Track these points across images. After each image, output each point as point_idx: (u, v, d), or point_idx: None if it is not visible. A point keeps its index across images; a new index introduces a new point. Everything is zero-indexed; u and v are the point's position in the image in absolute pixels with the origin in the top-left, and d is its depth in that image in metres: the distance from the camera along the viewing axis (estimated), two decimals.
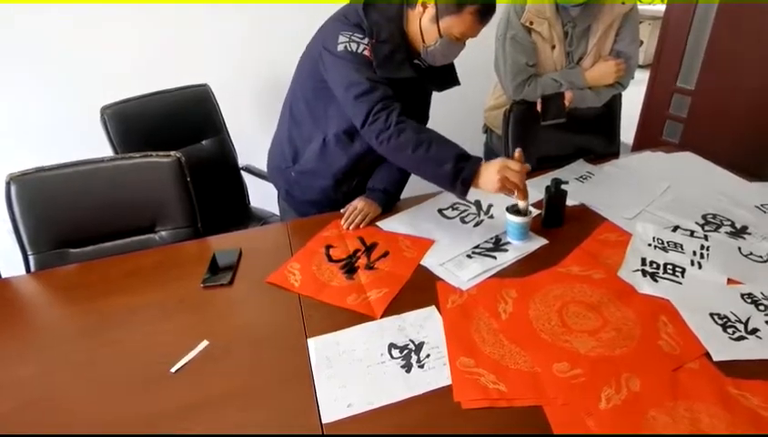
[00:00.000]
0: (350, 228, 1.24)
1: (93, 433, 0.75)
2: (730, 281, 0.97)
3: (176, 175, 1.25)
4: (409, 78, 1.14)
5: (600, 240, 1.14)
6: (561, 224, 1.20)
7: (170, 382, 0.82)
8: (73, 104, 1.91)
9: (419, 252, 1.12)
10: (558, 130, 1.51)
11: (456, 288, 1.00)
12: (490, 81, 1.73)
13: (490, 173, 1.03)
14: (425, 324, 0.91)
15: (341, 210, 1.29)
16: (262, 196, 1.91)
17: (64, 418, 0.77)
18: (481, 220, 1.24)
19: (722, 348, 0.81)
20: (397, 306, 0.96)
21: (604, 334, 0.86)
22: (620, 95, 1.61)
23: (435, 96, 1.34)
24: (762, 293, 0.93)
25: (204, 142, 1.78)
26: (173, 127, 1.69)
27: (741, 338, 0.83)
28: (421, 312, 0.94)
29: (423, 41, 1.11)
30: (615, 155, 1.63)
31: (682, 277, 0.99)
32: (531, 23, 1.45)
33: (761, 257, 1.04)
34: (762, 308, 0.89)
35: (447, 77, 1.25)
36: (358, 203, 1.28)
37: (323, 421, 0.73)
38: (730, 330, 0.85)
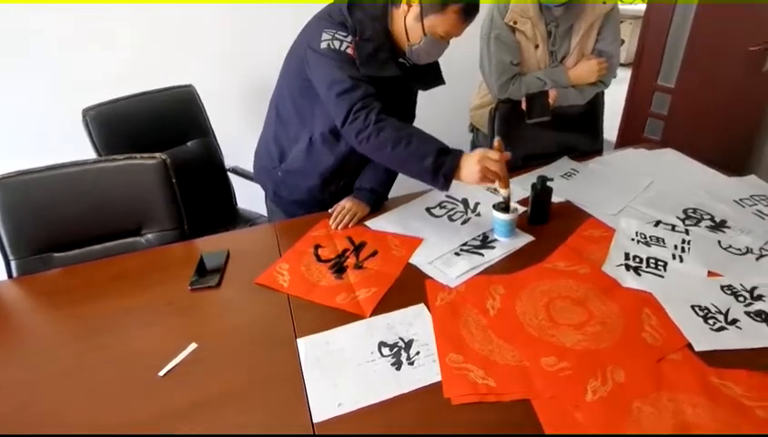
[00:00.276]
0: (339, 227, 1.24)
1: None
2: (710, 274, 1.00)
3: (161, 177, 1.23)
4: (394, 77, 1.14)
5: (585, 236, 1.16)
6: (547, 221, 1.22)
7: (158, 386, 0.81)
8: (54, 106, 1.88)
9: (407, 251, 1.13)
10: (543, 128, 1.53)
11: (444, 285, 1.01)
12: (475, 80, 1.75)
13: (471, 164, 1.03)
14: (414, 322, 0.92)
15: (329, 210, 1.29)
16: (249, 197, 1.90)
17: (50, 423, 0.76)
18: (469, 218, 1.25)
19: (704, 339, 0.83)
20: (386, 304, 0.96)
21: (590, 328, 0.88)
22: (602, 93, 1.64)
23: (421, 95, 1.35)
24: (741, 285, 0.95)
25: (189, 143, 1.76)
26: (157, 128, 1.67)
27: (721, 328, 0.85)
28: (410, 310, 0.95)
29: (408, 39, 1.12)
30: (599, 152, 1.66)
31: (665, 270, 1.02)
32: (515, 22, 1.46)
33: (739, 249, 1.07)
34: (741, 299, 0.92)
35: (432, 76, 1.26)
36: (346, 203, 1.28)
37: (314, 421, 0.73)
38: (711, 322, 0.87)
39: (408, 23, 1.09)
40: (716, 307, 0.90)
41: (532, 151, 1.58)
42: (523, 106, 1.50)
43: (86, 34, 1.85)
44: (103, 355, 0.89)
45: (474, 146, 1.87)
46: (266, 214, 1.64)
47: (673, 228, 1.16)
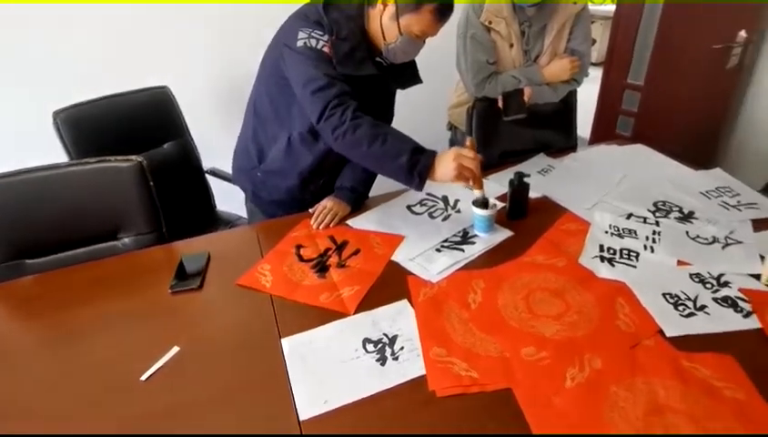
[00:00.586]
0: (320, 227, 1.24)
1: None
2: (679, 263, 1.04)
3: (137, 180, 1.21)
4: (371, 76, 1.15)
5: (561, 230, 1.19)
6: (525, 216, 1.25)
7: (141, 390, 0.80)
8: (22, 108, 1.82)
9: (389, 248, 1.14)
10: (519, 126, 1.56)
11: (426, 281, 1.02)
12: (452, 79, 1.77)
13: (446, 162, 1.05)
14: (398, 318, 0.93)
15: (310, 210, 1.29)
16: (228, 199, 1.88)
17: (32, 431, 0.74)
18: (449, 215, 1.27)
19: (674, 324, 0.87)
20: (369, 302, 0.97)
21: (567, 318, 0.90)
22: (575, 91, 1.68)
23: (399, 95, 1.36)
24: (708, 273, 1.00)
25: (165, 146, 1.73)
26: (132, 131, 1.63)
27: (690, 314, 0.89)
28: (394, 306, 0.96)
29: (384, 39, 1.12)
30: (573, 148, 1.70)
31: (637, 261, 1.05)
32: (490, 22, 1.49)
33: (706, 239, 1.11)
34: (708, 286, 0.96)
35: (409, 75, 1.27)
36: (327, 202, 1.28)
37: (300, 419, 0.73)
38: (681, 308, 0.91)
39: (383, 22, 1.10)
40: (685, 294, 0.94)
41: (509, 148, 1.61)
42: (500, 104, 1.52)
43: (56, 33, 1.80)
44: (83, 361, 0.87)
45: (453, 144, 1.90)
46: (245, 216, 1.63)
47: (644, 220, 1.20)
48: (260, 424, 0.73)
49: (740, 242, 1.09)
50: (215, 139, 1.89)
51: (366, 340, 0.87)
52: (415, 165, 1.04)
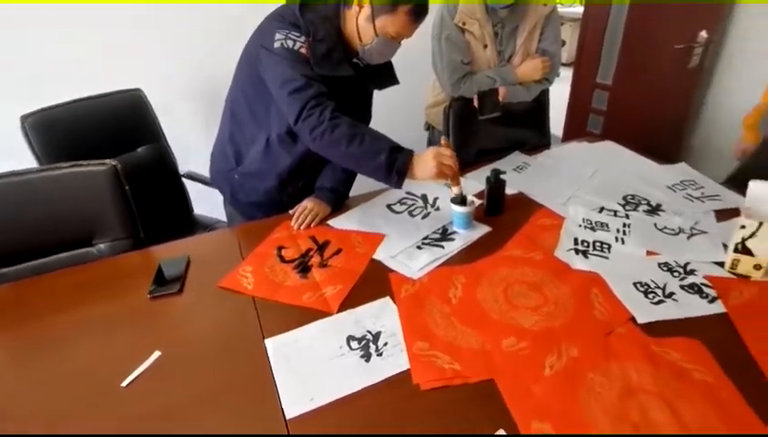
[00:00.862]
0: (301, 228, 1.24)
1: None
2: (649, 253, 1.09)
3: (112, 184, 1.19)
4: (348, 77, 1.16)
5: (537, 225, 1.22)
6: (502, 212, 1.28)
7: (122, 396, 0.79)
8: None
9: (370, 247, 1.15)
10: (494, 124, 1.60)
11: (408, 278, 1.04)
12: (428, 79, 1.80)
13: (426, 160, 1.07)
14: (381, 315, 0.94)
15: (290, 212, 1.29)
16: (206, 203, 1.85)
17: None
18: (428, 213, 1.29)
19: (645, 312, 0.91)
20: (352, 300, 0.98)
21: (545, 309, 0.93)
22: (548, 90, 1.73)
23: (377, 96, 1.37)
24: (675, 261, 1.05)
25: (140, 150, 1.70)
26: (104, 135, 1.60)
27: (660, 301, 0.94)
28: (377, 304, 0.97)
29: (360, 40, 1.13)
30: (547, 146, 1.75)
31: (609, 252, 1.10)
32: (464, 23, 1.52)
33: (673, 230, 1.17)
34: (676, 274, 1.01)
35: (386, 76, 1.28)
36: (308, 203, 1.29)
37: (287, 418, 0.73)
38: (650, 296, 0.95)
39: (359, 23, 1.11)
40: (655, 282, 0.99)
41: (485, 146, 1.65)
42: (475, 103, 1.56)
43: (23, 35, 1.74)
44: (60, 369, 0.85)
45: (431, 143, 1.92)
46: (224, 219, 1.61)
47: (615, 213, 1.25)
48: (246, 424, 0.73)
49: (704, 232, 1.15)
50: (191, 142, 1.87)
51: (350, 338, 0.88)
52: (393, 163, 1.05)
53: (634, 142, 1.66)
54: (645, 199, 1.31)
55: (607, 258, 1.08)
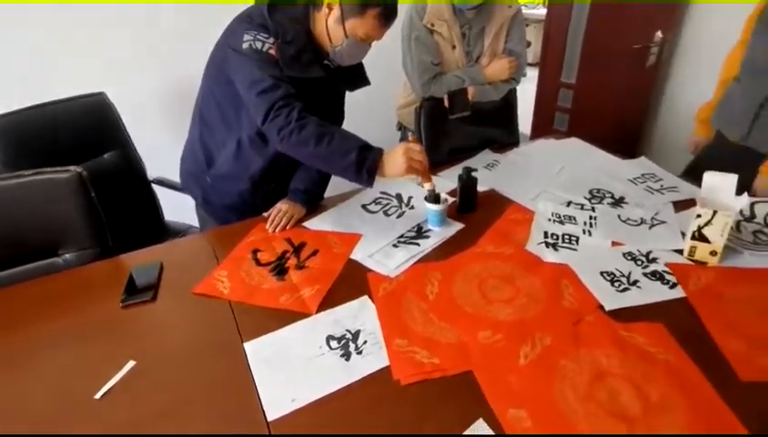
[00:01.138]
0: (276, 230, 1.23)
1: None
2: (614, 244, 1.14)
3: (77, 192, 1.15)
4: (319, 78, 1.16)
5: (509, 220, 1.26)
6: (475, 209, 1.31)
7: (96, 408, 0.77)
8: None
9: (347, 247, 1.16)
10: (465, 123, 1.63)
11: (385, 276, 1.05)
12: (400, 80, 1.82)
13: (396, 157, 1.07)
14: (359, 313, 0.95)
15: (265, 214, 1.28)
16: (177, 209, 1.81)
17: None
18: (403, 212, 1.31)
19: (612, 299, 0.95)
20: (331, 300, 0.99)
21: (518, 301, 0.96)
22: (515, 90, 1.78)
23: (349, 97, 1.38)
24: (638, 250, 1.10)
25: (106, 155, 1.65)
26: (67, 141, 1.54)
27: (625, 289, 0.98)
28: (355, 303, 0.98)
29: (330, 41, 1.13)
30: (516, 144, 1.80)
31: (577, 244, 1.14)
32: (432, 24, 1.55)
33: (635, 221, 1.22)
34: (639, 263, 1.06)
35: (357, 77, 1.29)
36: (282, 205, 1.28)
37: (268, 420, 0.73)
38: (616, 284, 1.00)
39: (329, 25, 1.11)
40: (620, 271, 1.03)
41: (457, 145, 1.68)
42: (446, 103, 1.59)
43: None
44: (30, 384, 0.82)
45: None
46: (197, 224, 1.58)
47: (582, 206, 1.30)
48: (228, 429, 0.73)
49: (664, 222, 1.21)
50: (159, 147, 1.82)
51: (329, 338, 0.89)
52: (363, 162, 1.06)
53: (598, 138, 1.73)
54: (609, 193, 1.36)
55: (575, 249, 1.12)
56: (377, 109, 2.02)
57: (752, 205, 1.20)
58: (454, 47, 1.60)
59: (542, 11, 4.68)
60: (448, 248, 1.15)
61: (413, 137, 1.12)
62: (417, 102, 1.69)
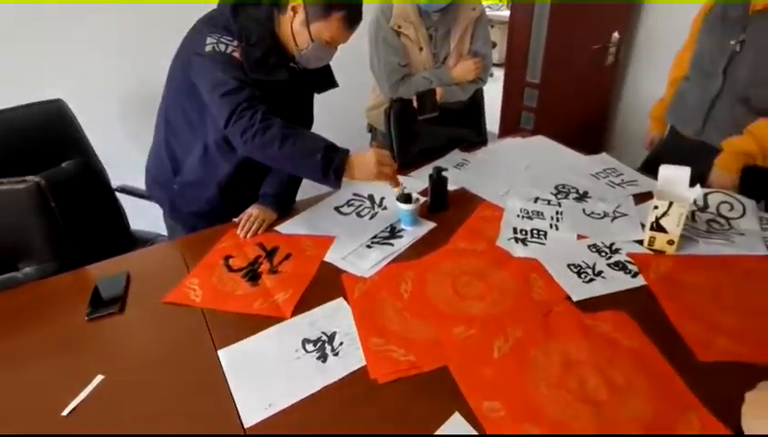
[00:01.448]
0: (248, 236, 1.22)
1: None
2: (579, 237, 1.18)
3: (35, 202, 1.10)
4: (285, 81, 1.14)
5: (479, 218, 1.29)
6: (446, 207, 1.33)
7: (64, 426, 0.74)
8: None
9: (320, 250, 1.16)
10: (433, 124, 1.66)
11: (360, 277, 1.06)
12: (369, 82, 1.82)
13: (368, 163, 1.07)
14: (335, 315, 0.95)
15: (235, 220, 1.27)
16: (143, 217, 1.76)
17: None
18: (376, 212, 1.32)
19: (579, 290, 0.99)
20: (306, 303, 0.98)
21: (490, 296, 0.99)
22: (482, 90, 1.82)
23: (318, 99, 1.37)
24: (602, 243, 1.15)
25: (65, 164, 1.58)
26: (22, 150, 1.47)
27: (591, 280, 1.02)
28: (330, 305, 0.98)
29: (296, 44, 1.12)
30: (484, 143, 1.83)
31: (545, 239, 1.18)
32: (399, 26, 1.57)
33: (599, 214, 1.27)
34: (603, 254, 1.11)
35: (324, 79, 1.29)
36: (253, 210, 1.27)
37: (245, 426, 0.73)
38: (583, 276, 1.03)
39: (294, 28, 1.10)
40: (586, 263, 1.07)
41: (426, 145, 1.70)
42: (414, 104, 1.61)
43: None
44: None
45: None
46: (165, 233, 1.54)
47: (549, 202, 1.34)
48: None
49: (625, 215, 1.26)
50: (123, 153, 1.76)
51: (305, 341, 0.89)
52: (330, 163, 1.05)
53: (562, 136, 1.79)
54: (574, 188, 1.41)
55: (543, 244, 1.16)
56: (347, 111, 2.02)
57: (705, 195, 1.27)
58: (421, 49, 1.62)
59: (507, 12, 4.79)
60: (421, 247, 1.16)
61: (378, 143, 1.13)
62: (386, 103, 1.70)
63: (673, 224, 1.06)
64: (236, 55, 1.07)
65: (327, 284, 1.04)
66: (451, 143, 1.74)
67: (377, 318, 0.94)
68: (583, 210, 1.29)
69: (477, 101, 1.83)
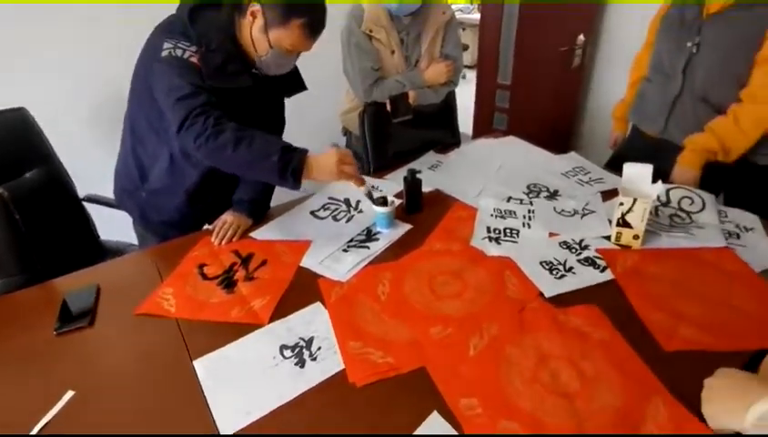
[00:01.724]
0: (223, 243, 1.20)
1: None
2: (551, 234, 1.21)
3: None
4: (249, 87, 1.12)
5: (454, 218, 1.31)
6: (421, 209, 1.34)
7: None
8: None
9: (296, 255, 1.15)
10: (407, 127, 1.67)
11: (336, 281, 1.06)
12: (344, 84, 1.83)
13: (328, 163, 1.05)
14: (313, 320, 0.95)
15: (209, 227, 1.25)
16: (113, 227, 1.71)
17: None
18: (352, 216, 1.32)
19: (551, 286, 1.02)
20: (283, 309, 0.98)
21: (466, 295, 1.01)
22: (454, 92, 1.85)
23: (292, 104, 1.37)
24: (572, 239, 1.18)
25: (28, 175, 1.52)
26: None
27: (562, 276, 1.05)
28: (307, 310, 0.98)
29: (255, 50, 1.09)
30: (457, 144, 1.86)
31: (518, 237, 1.21)
32: (371, 30, 1.58)
33: (569, 212, 1.31)
34: (573, 250, 1.14)
35: (292, 83, 1.27)
36: (227, 217, 1.25)
37: (222, 435, 0.72)
38: (554, 272, 1.06)
39: (254, 34, 1.07)
40: (557, 260, 1.11)
41: (401, 148, 1.72)
42: (388, 107, 1.62)
43: None
44: None
45: (348, 148, 1.95)
46: (136, 242, 1.51)
47: (521, 201, 1.37)
48: None
49: (593, 212, 1.30)
50: (89, 162, 1.71)
51: (283, 347, 0.88)
52: (288, 164, 1.02)
53: (533, 136, 1.83)
54: (545, 187, 1.45)
55: (516, 242, 1.18)
56: (320, 115, 2.02)
57: (667, 191, 1.33)
58: (393, 52, 1.64)
59: (478, 15, 4.88)
60: (397, 249, 1.17)
61: (338, 147, 1.11)
62: (360, 107, 1.71)
63: (638, 219, 1.10)
64: (193, 60, 1.04)
65: (304, 289, 1.04)
66: (425, 145, 1.76)
67: (354, 321, 0.94)
68: (554, 208, 1.33)
69: (449, 103, 1.86)
